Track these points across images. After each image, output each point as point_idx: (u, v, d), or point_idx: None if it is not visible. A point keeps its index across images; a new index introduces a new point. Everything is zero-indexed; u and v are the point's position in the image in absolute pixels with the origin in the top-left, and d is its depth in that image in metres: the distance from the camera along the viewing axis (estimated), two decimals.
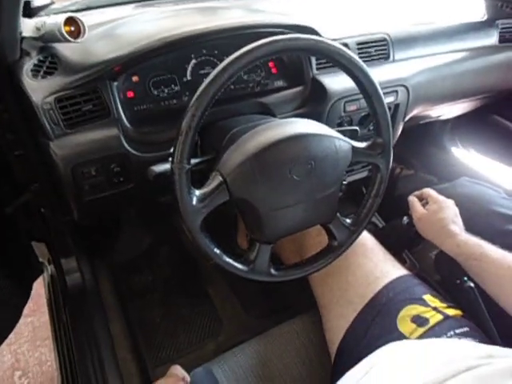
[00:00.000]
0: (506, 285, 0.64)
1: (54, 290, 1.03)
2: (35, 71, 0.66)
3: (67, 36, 0.59)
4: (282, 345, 0.77)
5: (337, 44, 0.58)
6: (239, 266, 0.61)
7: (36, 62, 0.67)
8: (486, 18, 1.12)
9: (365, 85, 0.62)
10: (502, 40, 1.12)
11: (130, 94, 0.74)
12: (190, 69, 0.79)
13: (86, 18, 0.77)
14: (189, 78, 0.79)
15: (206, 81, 0.51)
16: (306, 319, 0.82)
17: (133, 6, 0.90)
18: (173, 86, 0.78)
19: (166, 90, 0.77)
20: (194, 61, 0.79)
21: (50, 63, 0.67)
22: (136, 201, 0.82)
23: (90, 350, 0.87)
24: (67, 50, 0.68)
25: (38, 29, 0.63)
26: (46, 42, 0.66)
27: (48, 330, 1.26)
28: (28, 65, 0.66)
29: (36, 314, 1.30)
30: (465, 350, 0.48)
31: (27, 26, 0.65)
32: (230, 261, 0.60)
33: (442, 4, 1.20)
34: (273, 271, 0.64)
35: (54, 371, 1.19)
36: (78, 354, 0.87)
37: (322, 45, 0.57)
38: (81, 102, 0.65)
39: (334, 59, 0.59)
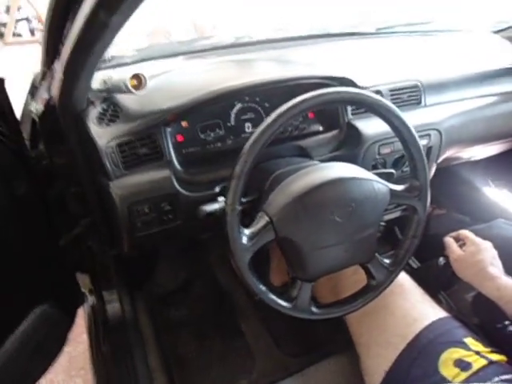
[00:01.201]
0: None
1: (94, 320, 1.07)
2: (100, 119, 0.73)
3: (132, 89, 0.67)
4: (321, 381, 0.77)
5: (375, 95, 0.63)
6: (282, 303, 0.63)
7: (100, 110, 0.75)
8: None
9: (402, 131, 0.66)
10: None
11: (180, 138, 0.81)
12: (233, 115, 0.85)
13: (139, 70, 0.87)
14: (232, 123, 0.86)
15: (259, 129, 0.57)
16: (342, 359, 0.82)
17: (181, 57, 0.98)
18: (218, 130, 0.85)
19: (211, 134, 0.84)
20: (237, 107, 0.85)
21: (113, 111, 0.75)
22: (180, 237, 0.87)
23: (129, 381, 0.89)
24: (127, 100, 0.76)
25: (104, 82, 0.71)
26: (109, 93, 0.75)
27: (83, 361, 1.29)
28: (93, 113, 0.74)
29: (72, 344, 1.34)
30: None
31: (95, 80, 0.73)
32: (274, 298, 0.62)
33: (472, 50, 1.24)
34: (314, 309, 0.66)
35: None
36: None
37: (362, 97, 0.62)
38: (138, 146, 0.72)
39: (373, 109, 0.63)
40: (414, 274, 0.95)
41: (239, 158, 0.57)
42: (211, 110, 0.83)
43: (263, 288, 0.61)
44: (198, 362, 1.09)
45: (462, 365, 0.64)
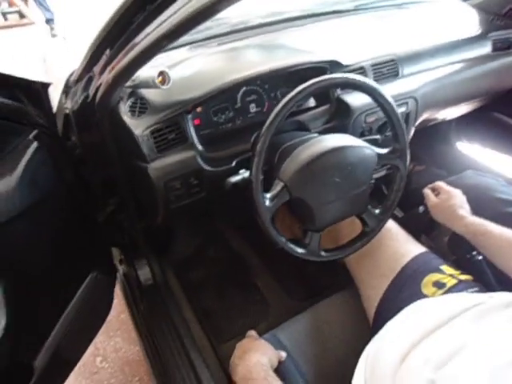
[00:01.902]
0: (506, 254, 0.82)
1: (129, 285, 1.23)
2: (132, 111, 0.86)
3: (159, 85, 0.79)
4: (328, 315, 0.95)
5: (362, 78, 0.77)
6: (298, 249, 0.80)
7: (130, 104, 0.87)
8: (479, 31, 1.30)
9: (383, 104, 0.81)
10: (494, 49, 1.29)
11: (197, 122, 0.94)
12: (239, 98, 0.99)
13: (154, 63, 0.99)
14: (239, 105, 0.99)
15: (274, 112, 0.71)
16: (344, 294, 1.00)
17: (186, 47, 1.10)
18: (227, 112, 0.98)
19: (222, 117, 0.97)
20: (241, 91, 0.99)
21: (141, 104, 0.87)
22: (203, 207, 1.02)
23: (169, 332, 1.06)
24: (151, 93, 0.89)
25: (132, 80, 0.83)
26: (136, 88, 0.87)
27: (118, 323, 1.47)
28: (125, 107, 0.87)
29: None
30: (471, 297, 0.66)
31: None
32: (292, 246, 0.79)
33: (442, 19, 1.38)
34: (322, 253, 0.83)
35: (129, 356, 1.40)
36: (160, 337, 1.07)
37: (353, 81, 0.76)
38: (166, 133, 0.86)
39: (361, 89, 0.78)
40: (400, 222, 1.13)
41: (259, 137, 0.71)
42: (221, 97, 0.96)
43: (283, 239, 0.77)
44: (222, 314, 1.27)
45: (438, 285, 0.82)
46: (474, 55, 1.27)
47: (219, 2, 0.41)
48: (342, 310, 0.97)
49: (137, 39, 0.57)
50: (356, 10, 1.34)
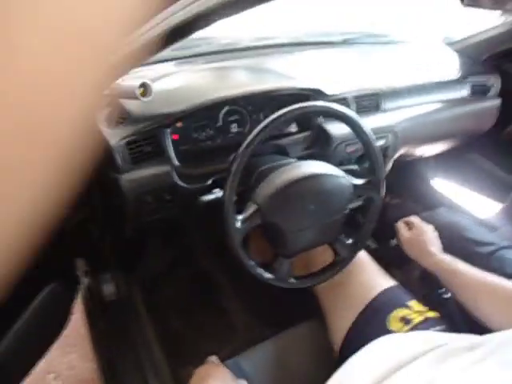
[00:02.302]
0: (472, 294, 0.82)
1: (91, 299, 1.18)
2: (109, 120, 0.84)
3: (140, 97, 0.78)
4: (294, 344, 0.93)
5: (343, 108, 0.78)
6: (267, 274, 0.78)
7: (108, 113, 0.86)
8: (459, 74, 1.35)
9: (362, 136, 0.82)
10: (472, 93, 1.35)
11: (175, 137, 0.93)
12: (221, 117, 0.98)
13: (139, 74, 0.98)
14: (220, 123, 0.99)
15: (252, 134, 0.71)
16: (311, 323, 0.99)
17: (173, 63, 1.10)
18: (208, 130, 0.97)
19: (203, 134, 0.96)
20: (224, 110, 0.98)
21: (120, 114, 0.86)
22: (173, 223, 1.00)
23: (128, 352, 1.02)
24: (131, 104, 0.87)
25: (113, 88, 0.82)
26: (115, 97, 0.85)
27: (75, 338, 1.40)
28: (101, 116, 0.85)
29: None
30: (436, 337, 0.65)
31: None
32: (260, 270, 0.77)
33: (425, 60, 1.43)
34: (291, 280, 0.82)
35: (84, 374, 1.32)
36: (117, 357, 1.02)
37: (333, 110, 0.77)
38: (143, 145, 0.84)
39: (341, 119, 0.79)
40: (373, 254, 1.13)
41: (235, 158, 0.71)
42: (202, 114, 0.95)
43: (252, 263, 0.76)
44: (187, 336, 1.22)
45: (405, 320, 0.81)
46: (453, 97, 1.31)
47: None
48: (308, 340, 0.95)
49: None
50: (344, 43, 1.38)
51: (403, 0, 1.70)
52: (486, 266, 1.00)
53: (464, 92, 1.34)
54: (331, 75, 1.15)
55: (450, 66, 1.39)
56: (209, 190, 0.83)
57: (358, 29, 1.45)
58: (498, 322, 0.77)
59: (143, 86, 0.79)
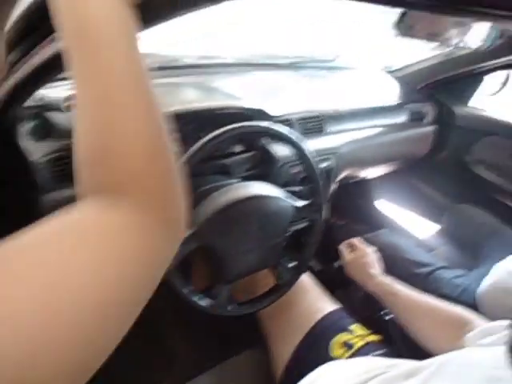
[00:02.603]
0: (411, 315, 0.83)
1: None
2: (32, 135, 0.76)
3: (66, 110, 0.72)
4: (234, 374, 0.88)
5: (284, 129, 0.77)
6: (203, 302, 0.73)
7: (32, 126, 0.78)
8: (398, 101, 1.41)
9: (303, 158, 0.81)
10: (410, 119, 1.42)
11: None
12: None
13: (69, 87, 0.91)
14: None
15: (188, 154, 0.67)
16: (252, 353, 0.94)
17: None
18: None
19: None
20: None
21: (45, 128, 0.78)
22: None
23: None
24: (58, 117, 0.80)
25: (37, 100, 0.75)
26: (41, 110, 0.78)
27: None
28: (24, 129, 0.77)
29: None
30: (377, 363, 0.64)
31: None
32: (196, 298, 0.72)
33: (367, 86, 1.48)
34: (230, 307, 0.78)
35: None
36: None
37: (273, 131, 0.76)
38: (68, 163, 0.77)
39: (282, 140, 0.78)
40: (317, 276, 1.12)
41: None
42: None
43: (186, 290, 0.71)
44: (123, 369, 1.12)
45: (347, 345, 0.80)
46: (392, 122, 1.37)
47: None
48: (252, 368, 0.91)
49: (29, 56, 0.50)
50: (290, 66, 1.40)
51: (347, 29, 1.77)
52: (425, 287, 1.03)
53: (402, 118, 1.40)
54: (276, 97, 1.15)
55: (390, 93, 1.45)
56: None
57: (304, 53, 1.48)
58: (435, 344, 0.78)
59: (70, 97, 0.73)
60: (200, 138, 0.99)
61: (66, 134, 0.78)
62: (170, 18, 0.37)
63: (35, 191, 0.74)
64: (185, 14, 0.36)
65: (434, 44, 1.00)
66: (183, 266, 0.71)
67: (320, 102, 1.22)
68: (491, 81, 1.39)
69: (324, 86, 1.36)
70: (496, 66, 1.26)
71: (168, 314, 1.27)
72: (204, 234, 0.69)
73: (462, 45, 0.98)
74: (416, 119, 1.44)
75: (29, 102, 0.76)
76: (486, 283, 1.00)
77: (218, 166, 0.98)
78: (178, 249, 0.67)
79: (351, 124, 1.25)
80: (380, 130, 1.33)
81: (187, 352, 1.20)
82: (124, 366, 1.14)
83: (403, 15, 0.72)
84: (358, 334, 0.84)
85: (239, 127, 0.70)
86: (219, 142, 0.69)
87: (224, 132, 0.69)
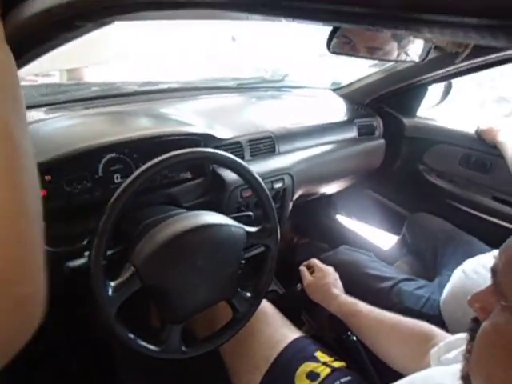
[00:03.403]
0: (374, 334, 0.81)
1: None
2: None
3: None
4: None
5: (225, 153, 0.74)
6: (152, 347, 0.67)
7: None
8: (346, 117, 1.43)
9: (251, 181, 0.78)
10: (360, 134, 1.43)
11: (43, 193, 0.79)
12: (101, 167, 0.88)
13: None
14: (100, 174, 0.88)
15: (122, 187, 0.62)
16: None
17: (44, 109, 0.97)
18: (85, 182, 0.86)
19: (78, 187, 0.84)
20: (105, 159, 0.88)
21: None
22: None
23: None
24: None
25: None
26: None
27: None
28: None
29: None
30: None
31: None
32: (144, 344, 0.66)
33: (315, 105, 1.50)
34: (184, 348, 0.71)
35: None
36: None
37: (214, 155, 0.72)
38: None
39: (225, 165, 0.74)
40: (281, 299, 1.08)
41: (102, 214, 0.61)
42: (77, 164, 0.84)
43: (132, 336, 0.64)
44: None
45: (312, 376, 0.75)
46: (343, 138, 1.38)
47: None
48: None
49: None
50: (237, 88, 1.39)
51: (292, 48, 1.80)
52: (387, 301, 1.02)
53: (352, 133, 1.41)
54: (224, 120, 1.13)
55: (337, 110, 1.47)
56: (80, 254, 0.71)
57: (251, 75, 1.48)
58: (401, 363, 0.75)
59: None
60: None
61: None
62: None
63: None
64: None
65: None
66: (126, 309, 0.65)
67: (270, 122, 1.21)
68: (433, 92, 1.44)
69: (273, 106, 1.36)
70: (435, 77, 1.30)
71: (121, 357, 1.18)
72: (147, 273, 0.64)
73: (403, 58, 0.99)
74: (365, 134, 1.46)
75: None
76: (447, 291, 1.00)
77: (165, 195, 0.93)
78: (118, 292, 0.61)
79: (303, 142, 1.24)
80: (332, 146, 1.34)
81: None
82: None
83: (335, 31, 0.71)
84: (323, 361, 0.80)
85: (177, 155, 0.66)
86: (156, 172, 0.65)
87: (159, 162, 0.64)
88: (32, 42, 0.31)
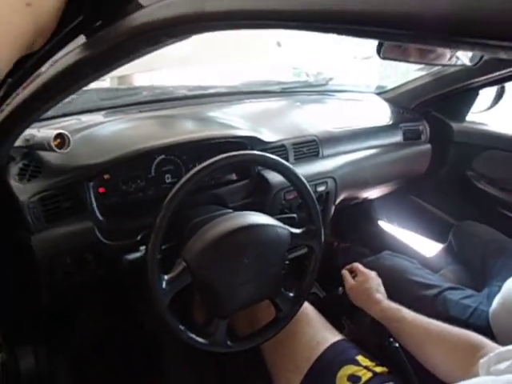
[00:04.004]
0: (417, 342, 0.79)
1: (6, 378, 1.01)
2: (21, 175, 0.76)
3: (55, 148, 0.72)
4: None
5: (274, 157, 0.76)
6: (200, 339, 0.70)
7: (21, 166, 0.78)
8: (391, 121, 1.41)
9: (297, 184, 0.79)
10: (405, 138, 1.41)
11: (102, 190, 0.86)
12: (154, 167, 0.93)
13: (62, 125, 0.92)
14: (153, 174, 0.93)
15: (176, 187, 0.66)
16: None
17: (103, 112, 1.05)
18: (139, 181, 0.91)
19: (133, 186, 0.90)
20: (157, 160, 0.93)
21: (34, 167, 0.78)
22: (102, 285, 0.90)
23: None
24: (49, 156, 0.80)
25: (27, 140, 0.75)
26: (32, 149, 0.78)
27: None
28: (14, 169, 0.77)
29: None
30: None
31: None
32: (193, 335, 0.69)
33: (360, 108, 1.49)
34: (229, 343, 0.74)
35: None
36: None
37: (263, 158, 0.75)
38: (60, 200, 0.76)
39: (273, 168, 0.77)
40: (320, 303, 1.08)
41: (159, 211, 0.65)
42: (133, 164, 0.89)
43: (182, 327, 0.68)
44: None
45: (353, 379, 0.75)
46: (388, 142, 1.36)
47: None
48: None
49: (13, 96, 0.50)
50: (282, 92, 1.41)
51: (337, 53, 1.80)
52: (432, 309, 0.99)
53: (397, 138, 1.39)
54: (269, 123, 1.15)
55: (383, 114, 1.45)
56: (138, 247, 0.76)
57: (296, 79, 1.50)
58: (447, 372, 0.73)
59: (59, 136, 0.73)
60: None
61: (57, 172, 0.78)
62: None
63: (25, 231, 0.73)
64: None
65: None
66: (178, 302, 0.69)
67: (314, 126, 1.22)
68: (484, 97, 1.39)
69: (317, 110, 1.37)
70: (487, 81, 1.26)
71: (175, 350, 1.23)
72: (198, 268, 0.67)
73: (454, 62, 0.97)
74: (411, 138, 1.43)
75: (18, 142, 0.76)
76: (498, 302, 0.96)
77: (212, 196, 0.97)
78: (171, 285, 0.65)
79: (347, 146, 1.24)
80: (376, 150, 1.33)
81: None
82: None
83: None
84: (364, 365, 0.79)
85: (227, 157, 0.70)
86: (208, 173, 0.68)
87: (211, 164, 0.68)
88: (117, 55, 0.34)
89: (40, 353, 1.02)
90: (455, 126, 1.47)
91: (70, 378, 1.08)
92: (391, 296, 0.93)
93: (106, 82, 1.72)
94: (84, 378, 1.12)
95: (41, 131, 0.75)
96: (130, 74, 1.69)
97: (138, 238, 0.83)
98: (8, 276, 0.88)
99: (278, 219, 0.81)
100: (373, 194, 1.50)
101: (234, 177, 1.05)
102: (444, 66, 1.15)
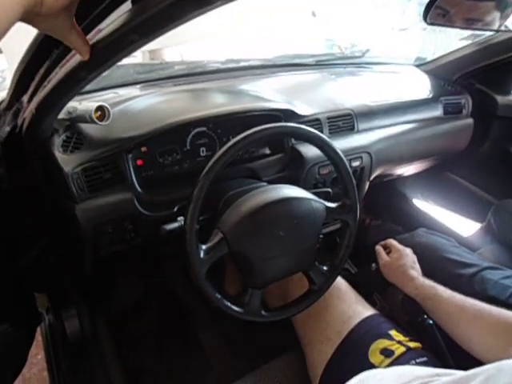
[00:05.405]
0: (453, 320, 0.78)
1: (53, 338, 1.09)
2: (65, 146, 0.79)
3: (96, 121, 0.74)
4: (274, 378, 0.86)
5: (311, 129, 0.75)
6: (236, 308, 0.72)
7: (65, 138, 0.80)
8: (431, 95, 1.35)
9: (334, 158, 0.78)
10: (445, 112, 1.35)
11: (140, 162, 0.88)
12: (189, 141, 0.94)
13: (101, 98, 0.94)
14: (188, 147, 0.94)
15: (213, 159, 0.66)
16: (290, 357, 0.92)
17: (139, 86, 1.06)
18: (175, 154, 0.93)
19: (169, 158, 0.92)
20: (192, 134, 0.94)
21: (77, 139, 0.81)
22: (141, 253, 0.93)
23: None
24: (90, 128, 0.82)
25: (69, 112, 0.77)
26: (73, 122, 0.81)
27: (39, 381, 1.29)
28: (58, 141, 0.80)
29: (26, 366, 1.32)
30: (419, 372, 0.60)
31: None
32: (229, 304, 0.71)
33: (397, 81, 1.43)
34: (263, 312, 0.76)
35: None
36: None
37: (300, 130, 0.73)
38: (102, 172, 0.79)
39: (309, 140, 0.75)
40: (352, 279, 1.08)
41: (196, 183, 0.66)
42: (168, 137, 0.91)
43: (218, 296, 0.70)
44: (157, 374, 1.13)
45: (386, 352, 0.76)
46: (427, 116, 1.31)
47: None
48: (289, 373, 0.89)
49: (57, 69, 0.51)
50: (316, 65, 1.37)
51: (374, 23, 1.72)
52: (468, 289, 0.97)
53: (437, 112, 1.33)
54: (303, 97, 1.13)
55: (422, 87, 1.39)
56: (174, 218, 0.78)
57: (330, 51, 1.45)
58: (484, 352, 0.72)
59: (100, 109, 0.75)
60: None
61: (98, 144, 0.80)
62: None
63: (70, 200, 0.77)
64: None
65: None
66: (214, 271, 0.71)
67: (350, 99, 1.19)
68: None
69: (353, 83, 1.32)
70: None
71: (205, 319, 1.28)
72: (234, 240, 0.68)
73: (504, 29, 0.91)
74: (452, 112, 1.37)
75: (61, 115, 0.78)
76: None
77: (246, 169, 0.98)
78: (208, 255, 0.67)
79: (384, 120, 1.20)
80: (415, 125, 1.28)
81: (225, 356, 1.19)
82: (164, 369, 1.16)
83: (433, 1, 0.68)
84: (397, 339, 0.79)
85: (264, 129, 0.69)
86: (244, 146, 0.68)
87: (248, 136, 0.67)
88: (166, 20, 0.34)
89: (83, 315, 1.09)
90: (500, 99, 1.39)
91: (109, 338, 1.15)
92: (426, 274, 0.92)
93: (137, 58, 1.73)
94: (122, 339, 1.19)
95: (82, 104, 0.77)
96: (160, 48, 1.69)
97: (175, 209, 0.85)
98: (56, 244, 0.93)
99: (313, 193, 0.81)
100: (408, 170, 1.46)
101: (267, 151, 1.05)
102: (495, 31, 1.08)
